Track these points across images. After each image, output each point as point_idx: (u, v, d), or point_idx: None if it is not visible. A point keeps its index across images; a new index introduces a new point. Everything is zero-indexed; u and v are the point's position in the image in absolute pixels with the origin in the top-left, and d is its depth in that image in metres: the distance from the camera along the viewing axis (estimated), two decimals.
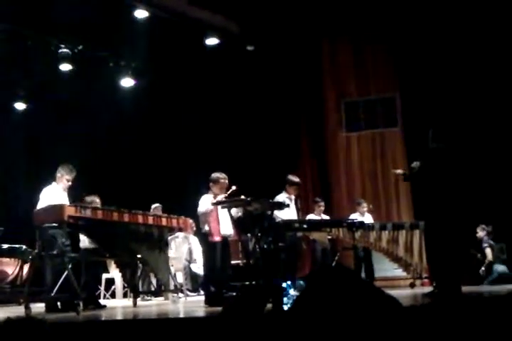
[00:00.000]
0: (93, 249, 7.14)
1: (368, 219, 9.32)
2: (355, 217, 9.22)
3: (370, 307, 1.68)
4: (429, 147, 5.49)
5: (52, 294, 6.37)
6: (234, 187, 6.67)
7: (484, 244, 9.33)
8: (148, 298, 9.19)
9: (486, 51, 9.89)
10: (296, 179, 8.22)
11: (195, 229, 9.01)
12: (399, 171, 6.85)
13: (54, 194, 6.82)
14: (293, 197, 8.18)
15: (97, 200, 7.35)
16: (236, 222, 6.49)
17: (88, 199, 7.29)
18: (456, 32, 10.00)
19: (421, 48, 10.39)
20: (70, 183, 6.95)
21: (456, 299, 4.58)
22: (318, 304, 1.70)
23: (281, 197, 7.98)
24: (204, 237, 6.58)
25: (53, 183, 6.93)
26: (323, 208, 9.42)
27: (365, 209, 9.58)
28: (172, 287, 8.03)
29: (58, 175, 6.92)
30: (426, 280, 8.83)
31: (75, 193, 7.22)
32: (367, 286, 1.80)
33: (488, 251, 9.27)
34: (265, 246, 6.66)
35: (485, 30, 9.79)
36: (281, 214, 7.73)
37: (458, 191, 5.10)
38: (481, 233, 9.37)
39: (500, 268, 9.10)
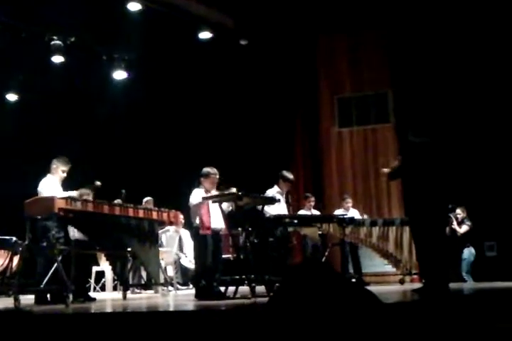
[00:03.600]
0: (83, 242, 7.14)
1: (352, 214, 9.24)
2: (339, 212, 9.22)
3: (346, 301, 1.69)
4: (411, 141, 5.19)
5: (42, 286, 6.36)
6: (234, 189, 6.57)
7: (467, 223, 9.77)
8: (138, 291, 9.21)
9: (477, 50, 9.94)
10: (290, 176, 8.12)
11: (183, 221, 9.02)
12: (385, 170, 6.50)
13: (52, 185, 6.82)
14: (284, 192, 8.11)
15: (88, 193, 7.33)
16: (227, 216, 6.47)
17: (80, 191, 7.27)
18: (450, 30, 10.02)
19: (414, 45, 10.40)
20: (65, 175, 6.96)
21: (444, 296, 4.60)
22: (295, 298, 1.70)
23: (272, 192, 7.92)
24: (195, 231, 6.56)
25: (48, 175, 6.92)
26: (313, 203, 9.38)
27: (350, 204, 9.60)
28: (162, 280, 8.03)
29: (54, 166, 6.92)
30: (415, 276, 8.88)
31: (68, 186, 7.20)
32: (343, 281, 1.80)
33: (466, 228, 9.74)
34: (255, 241, 6.65)
35: (476, 29, 9.83)
36: (271, 210, 7.63)
37: (443, 187, 4.99)
38: (463, 214, 9.79)
39: (472, 250, 9.83)
